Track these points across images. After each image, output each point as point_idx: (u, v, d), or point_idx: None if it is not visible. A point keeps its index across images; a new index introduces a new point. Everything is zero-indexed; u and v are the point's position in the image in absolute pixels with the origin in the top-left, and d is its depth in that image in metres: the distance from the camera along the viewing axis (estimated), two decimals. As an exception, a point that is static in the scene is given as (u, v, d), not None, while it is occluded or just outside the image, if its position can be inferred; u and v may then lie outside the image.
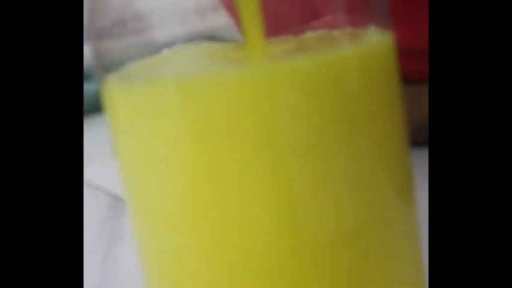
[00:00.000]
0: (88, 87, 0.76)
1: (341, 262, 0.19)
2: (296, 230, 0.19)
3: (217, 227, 0.19)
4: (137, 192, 0.22)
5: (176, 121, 0.19)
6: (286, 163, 0.19)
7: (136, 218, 0.22)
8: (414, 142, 0.21)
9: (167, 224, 0.20)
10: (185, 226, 0.20)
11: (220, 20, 0.21)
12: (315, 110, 0.18)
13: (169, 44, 0.20)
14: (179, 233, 0.20)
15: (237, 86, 0.18)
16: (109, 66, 0.21)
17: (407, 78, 0.22)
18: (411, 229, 0.21)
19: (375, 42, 0.20)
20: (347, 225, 0.19)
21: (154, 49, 0.20)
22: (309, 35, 0.20)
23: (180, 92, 0.19)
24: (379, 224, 0.20)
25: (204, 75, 0.19)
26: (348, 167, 0.19)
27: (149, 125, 0.19)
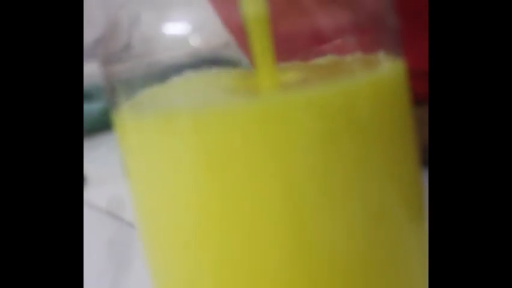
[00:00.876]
0: (93, 107, 0.76)
1: (353, 283, 0.20)
2: (308, 254, 0.19)
3: (230, 251, 0.19)
4: (149, 216, 0.21)
5: (188, 150, 0.19)
6: (299, 191, 0.19)
7: (146, 241, 0.22)
8: (424, 162, 0.22)
9: (178, 249, 0.20)
10: (197, 251, 0.20)
11: (223, 39, 0.20)
12: (327, 138, 0.18)
13: (176, 67, 0.20)
14: (189, 257, 0.20)
15: (249, 117, 0.18)
16: (119, 92, 0.21)
17: (415, 100, 0.21)
18: (422, 249, 0.21)
19: (388, 70, 0.20)
20: (360, 249, 0.19)
21: (162, 72, 0.20)
22: (319, 61, 0.20)
23: (193, 123, 0.19)
24: (391, 246, 0.20)
25: (217, 107, 0.19)
26: (361, 194, 0.19)
27: (161, 153, 0.19)
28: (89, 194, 0.53)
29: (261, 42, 0.19)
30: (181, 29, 0.19)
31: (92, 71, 0.97)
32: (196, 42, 0.19)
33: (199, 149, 0.19)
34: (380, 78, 0.20)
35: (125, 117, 0.21)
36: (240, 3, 0.18)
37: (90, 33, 1.07)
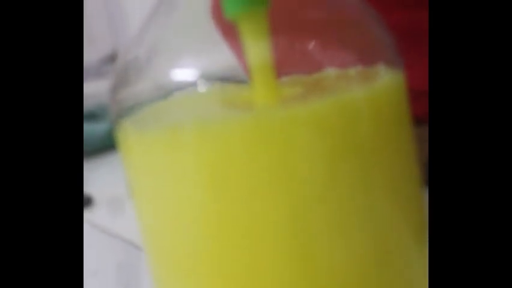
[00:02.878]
0: (98, 127, 0.75)
1: None
2: (310, 271, 0.19)
3: (231, 262, 0.19)
4: (154, 237, 0.21)
5: (191, 164, 0.19)
6: (300, 203, 0.18)
7: (153, 262, 0.22)
8: (424, 181, 0.22)
9: (182, 269, 0.20)
10: (200, 271, 0.20)
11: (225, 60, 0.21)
12: (328, 151, 0.18)
13: (180, 86, 0.20)
14: (192, 278, 0.20)
15: (249, 131, 0.18)
16: (122, 112, 0.21)
17: (416, 119, 0.21)
18: (424, 267, 0.21)
19: (387, 82, 0.20)
20: (361, 265, 0.19)
21: (166, 91, 0.20)
22: (320, 74, 0.20)
23: (195, 137, 0.19)
24: (394, 264, 0.20)
25: (218, 121, 0.19)
26: (363, 210, 0.19)
27: (163, 167, 0.19)
28: (95, 216, 0.53)
29: (261, 58, 0.19)
30: (190, 75, 0.19)
31: (97, 90, 0.97)
32: (204, 89, 0.19)
33: (201, 162, 0.19)
34: (380, 90, 0.20)
35: (128, 132, 0.21)
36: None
37: (95, 53, 1.07)
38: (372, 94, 0.19)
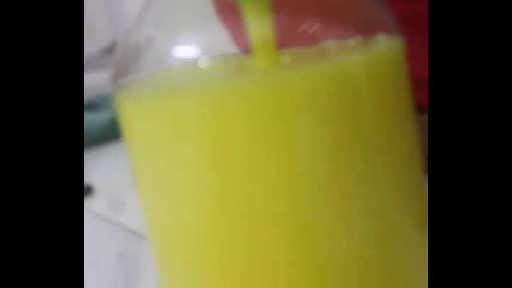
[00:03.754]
0: (99, 117, 0.75)
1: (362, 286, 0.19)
2: (311, 256, 0.19)
3: (233, 250, 0.19)
4: (155, 220, 0.21)
5: (190, 131, 0.19)
6: (299, 169, 0.18)
7: (156, 250, 0.22)
8: (425, 169, 0.21)
9: (183, 252, 0.20)
10: (201, 253, 0.20)
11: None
12: (325, 114, 0.18)
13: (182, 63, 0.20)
14: (194, 262, 0.20)
15: (251, 93, 0.18)
16: (124, 94, 0.21)
17: (418, 107, 0.21)
18: (425, 254, 0.21)
19: (386, 48, 0.20)
20: (362, 251, 0.19)
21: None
22: (319, 46, 0.20)
23: (194, 101, 0.18)
24: (395, 251, 0.20)
25: (218, 84, 0.18)
26: (360, 174, 0.19)
27: (163, 137, 0.19)
28: (96, 205, 0.53)
29: (262, 33, 0.19)
30: (191, 52, 0.19)
31: (97, 81, 0.97)
32: (205, 65, 0.19)
33: (201, 128, 0.18)
34: (379, 55, 0.20)
35: (127, 103, 0.20)
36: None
37: (95, 44, 1.07)
38: (371, 58, 0.19)
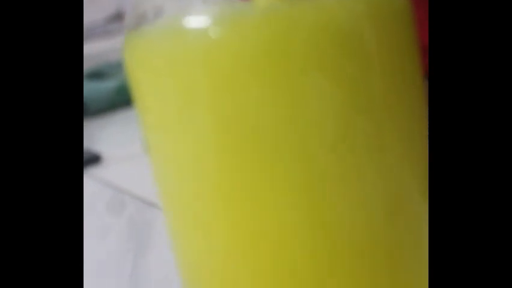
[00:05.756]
0: (106, 85, 0.75)
1: (370, 254, 0.19)
2: (320, 218, 0.19)
3: (243, 214, 0.19)
4: (169, 188, 0.21)
5: (202, 94, 0.18)
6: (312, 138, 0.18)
7: (169, 215, 0.22)
8: None
9: (198, 220, 0.20)
10: (215, 220, 0.20)
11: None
12: (337, 54, 0.18)
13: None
14: (207, 229, 0.20)
15: (252, 22, 0.18)
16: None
17: (426, 74, 0.21)
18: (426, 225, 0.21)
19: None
20: (370, 216, 0.19)
21: None
22: None
23: (203, 58, 0.18)
24: (402, 216, 0.20)
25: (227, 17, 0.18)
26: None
27: (174, 101, 0.19)
28: (105, 173, 0.53)
29: None
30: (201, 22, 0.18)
31: (103, 49, 0.96)
32: (216, 35, 0.18)
33: (212, 86, 0.18)
34: (385, 4, 0.19)
35: (137, 62, 0.20)
36: None
37: (100, 12, 1.06)
38: (378, 8, 0.19)
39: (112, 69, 0.80)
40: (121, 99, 0.74)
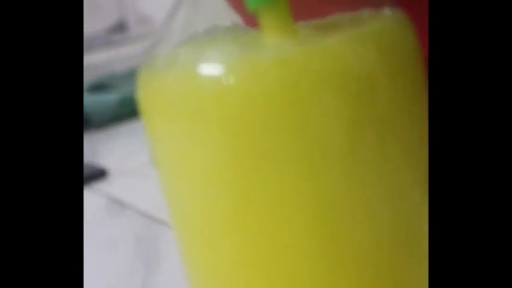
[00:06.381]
0: (109, 97, 0.75)
1: (376, 265, 0.20)
2: (333, 232, 0.19)
3: (253, 231, 0.19)
4: (180, 206, 0.21)
5: (212, 117, 0.19)
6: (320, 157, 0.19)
7: (179, 232, 0.22)
8: None
9: (209, 238, 0.20)
10: (226, 238, 0.20)
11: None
12: (346, 91, 0.18)
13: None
14: (218, 246, 0.20)
15: (267, 67, 0.18)
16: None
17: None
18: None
19: (395, 20, 0.20)
20: (376, 227, 0.19)
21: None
22: (329, 19, 0.20)
23: (213, 83, 0.19)
24: (407, 225, 0.20)
25: (237, 61, 0.19)
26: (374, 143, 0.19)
27: (185, 115, 0.19)
28: (111, 188, 0.52)
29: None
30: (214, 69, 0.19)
31: (105, 60, 0.96)
32: (229, 82, 0.18)
33: (221, 109, 0.19)
34: (390, 26, 0.20)
35: (146, 81, 0.21)
36: None
37: (101, 22, 1.06)
38: (384, 28, 0.20)
39: (115, 80, 0.79)
40: (125, 111, 0.73)
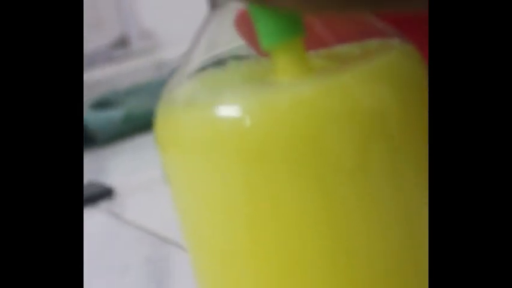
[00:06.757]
0: (114, 114, 0.74)
1: (386, 282, 0.20)
2: (346, 247, 0.20)
3: (267, 253, 0.20)
4: (195, 228, 0.22)
5: (228, 149, 0.20)
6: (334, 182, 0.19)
7: (195, 253, 0.22)
8: None
9: (224, 262, 0.21)
10: (241, 263, 0.21)
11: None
12: (358, 123, 0.19)
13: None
14: (233, 270, 0.21)
15: (281, 106, 0.19)
16: None
17: None
18: None
19: (405, 51, 0.21)
20: (392, 238, 0.20)
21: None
22: (339, 48, 0.21)
23: (231, 117, 0.19)
24: (417, 236, 0.20)
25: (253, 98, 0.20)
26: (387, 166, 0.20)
27: (201, 156, 0.20)
28: (118, 207, 0.51)
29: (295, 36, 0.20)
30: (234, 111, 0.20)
31: (108, 75, 0.95)
32: (247, 124, 0.19)
33: (239, 145, 0.19)
34: (399, 58, 0.21)
35: (162, 115, 0.21)
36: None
37: (104, 38, 1.05)
38: (396, 62, 0.20)
39: (118, 97, 0.78)
40: (130, 127, 0.73)
